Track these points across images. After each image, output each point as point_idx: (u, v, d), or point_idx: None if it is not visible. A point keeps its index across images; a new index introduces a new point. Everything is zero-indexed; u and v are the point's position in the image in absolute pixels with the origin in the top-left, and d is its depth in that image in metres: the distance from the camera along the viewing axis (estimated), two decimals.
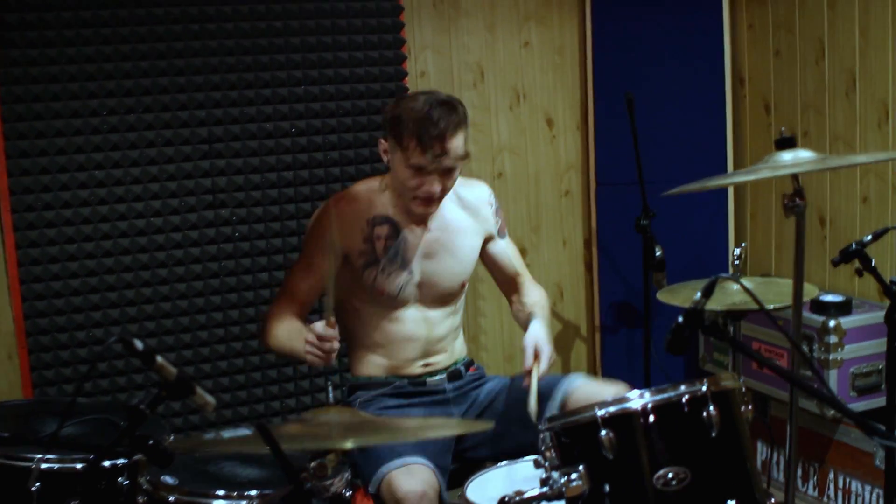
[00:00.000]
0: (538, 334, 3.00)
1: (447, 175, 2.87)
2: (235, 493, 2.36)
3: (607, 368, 4.72)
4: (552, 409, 2.86)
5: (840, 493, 3.85)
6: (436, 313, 3.06)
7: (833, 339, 3.77)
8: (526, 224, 4.69)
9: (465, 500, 2.48)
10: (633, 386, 4.49)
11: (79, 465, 2.45)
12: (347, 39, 3.98)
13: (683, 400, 2.03)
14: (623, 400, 2.05)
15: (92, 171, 3.67)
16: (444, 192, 2.90)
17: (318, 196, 3.97)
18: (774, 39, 4.44)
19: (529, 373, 2.89)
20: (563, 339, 4.79)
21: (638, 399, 2.04)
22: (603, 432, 2.02)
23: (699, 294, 1.97)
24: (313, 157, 3.97)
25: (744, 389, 2.15)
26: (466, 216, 3.11)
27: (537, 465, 2.13)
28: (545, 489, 2.04)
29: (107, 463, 2.57)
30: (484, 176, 4.39)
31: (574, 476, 2.04)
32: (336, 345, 2.58)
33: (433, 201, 2.90)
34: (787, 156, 2.22)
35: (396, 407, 2.97)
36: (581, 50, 4.69)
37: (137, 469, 2.49)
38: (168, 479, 2.40)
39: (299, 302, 2.96)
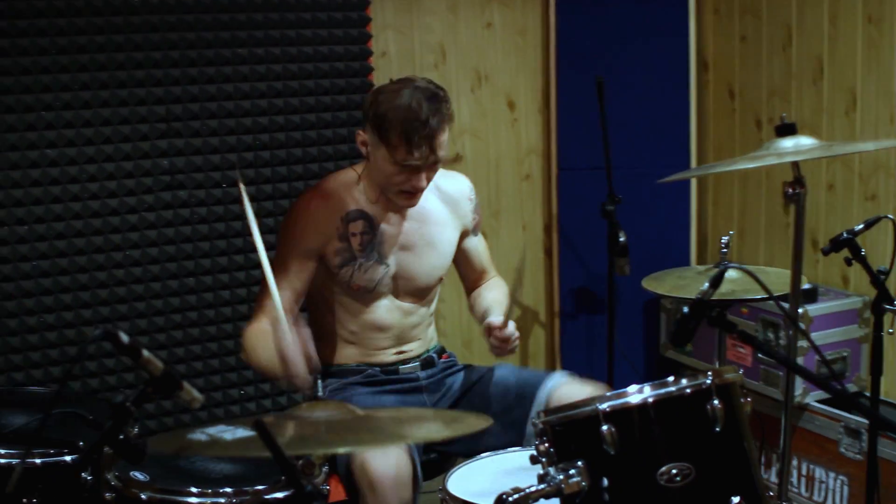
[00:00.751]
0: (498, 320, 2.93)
1: (432, 169, 2.80)
2: (210, 490, 2.25)
3: (566, 354, 4.68)
4: (537, 409, 2.78)
5: (803, 480, 3.85)
6: (409, 305, 2.98)
7: (801, 326, 3.76)
8: (485, 208, 4.59)
9: (447, 494, 2.40)
10: (596, 373, 4.49)
11: (38, 461, 2.37)
12: (311, 17, 3.85)
13: (687, 393, 1.97)
14: (624, 394, 1.98)
15: (45, 168, 3.50)
16: (428, 183, 2.83)
17: (279, 177, 3.86)
18: (741, 25, 4.41)
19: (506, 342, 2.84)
20: (521, 325, 4.73)
21: (640, 393, 1.98)
22: (605, 427, 1.95)
23: (706, 284, 1.91)
24: (275, 137, 3.85)
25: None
26: (445, 209, 3.03)
27: (534, 460, 2.06)
28: (543, 486, 1.97)
29: (68, 458, 2.48)
30: None
31: (573, 472, 1.98)
32: (314, 368, 2.45)
33: (417, 194, 2.83)
34: (788, 142, 2.17)
35: (368, 395, 2.89)
36: (544, 32, 4.62)
37: (103, 464, 2.37)
38: (138, 476, 2.29)
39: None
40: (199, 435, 1.72)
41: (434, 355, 3.05)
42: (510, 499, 1.93)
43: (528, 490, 1.95)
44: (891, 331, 2.59)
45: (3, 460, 2.34)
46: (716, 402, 1.96)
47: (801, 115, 4.13)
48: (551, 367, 4.74)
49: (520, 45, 4.63)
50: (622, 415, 1.96)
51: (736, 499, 1.95)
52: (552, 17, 4.54)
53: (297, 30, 3.83)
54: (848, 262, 2.55)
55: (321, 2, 3.87)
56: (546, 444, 2.06)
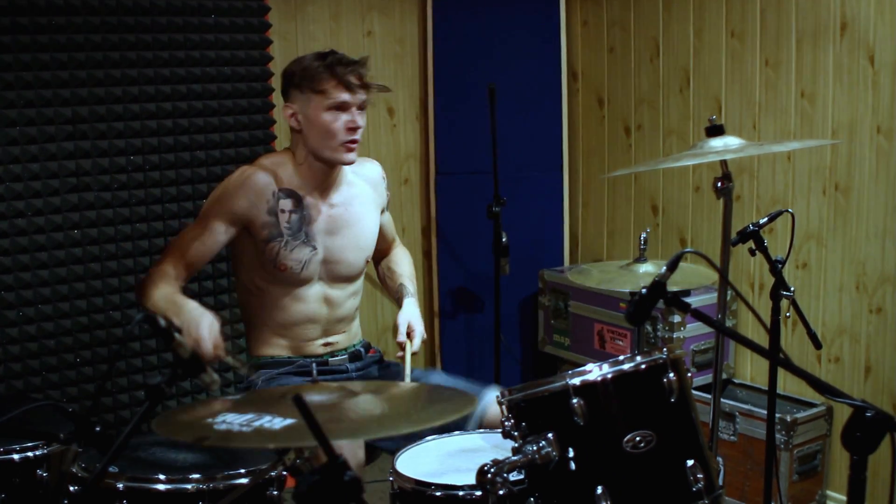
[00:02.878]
0: (412, 313, 3.12)
1: (362, 111, 2.95)
2: (179, 477, 2.30)
3: (447, 353, 4.84)
4: (472, 423, 2.87)
5: None
6: (339, 292, 3.07)
7: (677, 318, 4.05)
8: None
9: (397, 475, 2.50)
10: (478, 370, 4.67)
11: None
12: (214, 21, 3.89)
13: (645, 367, 2.16)
14: (589, 370, 2.15)
15: None
16: (363, 126, 2.96)
17: (182, 163, 3.89)
18: (609, 37, 4.69)
19: (402, 347, 3.02)
20: None
21: (607, 368, 2.15)
22: (574, 400, 2.12)
23: (664, 268, 2.10)
24: (178, 123, 3.87)
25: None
26: (369, 189, 3.16)
27: (506, 434, 2.20)
28: (518, 457, 2.12)
29: (16, 457, 2.48)
30: None
31: (543, 443, 2.13)
32: (221, 357, 2.53)
33: (356, 141, 2.95)
34: (716, 142, 2.39)
35: (301, 383, 2.96)
36: (421, 41, 4.79)
37: (61, 459, 2.39)
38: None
39: (185, 264, 2.87)
40: (223, 424, 1.77)
41: (361, 349, 3.16)
42: (491, 470, 2.06)
43: (506, 461, 2.09)
44: (787, 314, 2.86)
45: None
46: (671, 375, 2.16)
47: (669, 121, 4.43)
48: (431, 366, 4.89)
49: (398, 53, 4.77)
50: (591, 388, 2.13)
51: (690, 462, 2.15)
52: (429, 26, 4.71)
53: (201, 34, 3.87)
54: (752, 252, 2.80)
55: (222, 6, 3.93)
56: (513, 420, 2.20)
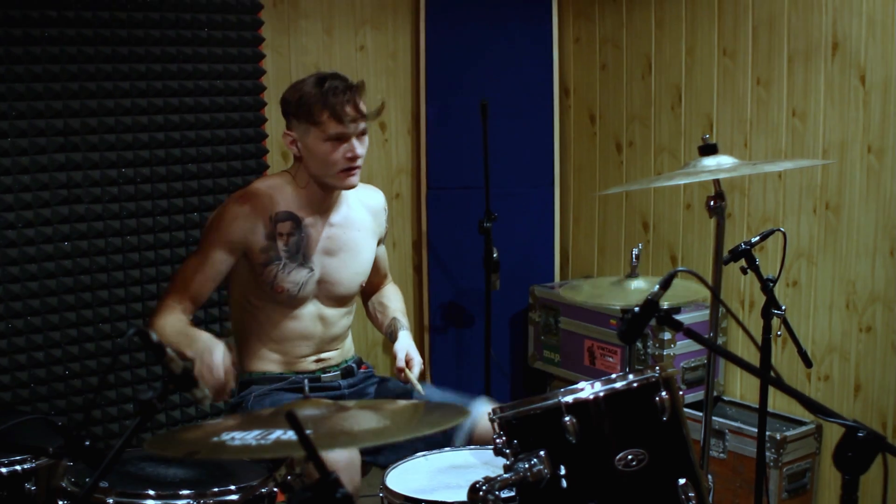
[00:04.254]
0: (409, 344, 3.12)
1: (361, 138, 2.93)
2: (170, 493, 2.29)
3: (437, 367, 4.83)
4: (461, 437, 2.88)
5: None
6: (333, 312, 3.07)
7: (667, 335, 4.05)
8: None
9: (387, 491, 2.50)
10: (467, 385, 4.66)
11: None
12: (207, 34, 3.89)
13: (638, 386, 2.16)
14: (581, 388, 2.15)
15: None
16: (363, 153, 2.95)
17: (174, 177, 3.89)
18: (601, 54, 4.71)
19: (402, 371, 3.02)
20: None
21: (599, 386, 2.15)
22: (567, 418, 2.11)
23: (657, 286, 2.10)
24: (170, 136, 3.87)
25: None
26: (368, 217, 3.15)
27: (497, 452, 2.20)
28: (510, 474, 2.12)
29: (4, 470, 2.47)
30: None
31: (535, 461, 2.13)
32: (231, 385, 2.56)
33: (356, 169, 2.94)
34: (709, 161, 2.40)
35: (292, 400, 2.95)
36: (414, 56, 4.80)
37: (50, 473, 2.38)
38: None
39: (190, 296, 2.88)
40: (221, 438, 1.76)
41: (353, 365, 3.15)
42: (483, 488, 2.06)
43: (497, 479, 2.09)
44: (779, 333, 2.86)
45: None
46: (663, 393, 2.16)
47: (661, 138, 4.45)
48: (421, 380, 4.86)
49: (391, 68, 4.78)
50: (583, 406, 2.13)
51: (682, 480, 2.15)
52: (422, 41, 4.72)
53: (194, 47, 3.87)
54: (744, 270, 2.80)
55: (216, 20, 3.92)
56: (504, 438, 2.20)
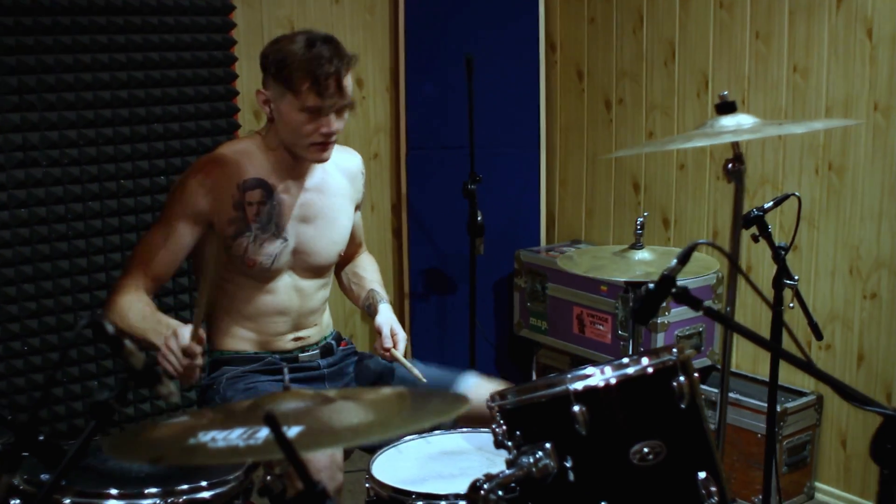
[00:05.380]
0: (391, 318, 2.89)
1: (341, 114, 2.66)
2: (134, 492, 2.08)
3: (418, 335, 4.63)
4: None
5: None
6: (309, 283, 2.85)
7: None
8: None
9: (373, 481, 2.29)
10: (449, 354, 4.47)
11: None
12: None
13: (653, 371, 1.96)
14: (590, 374, 1.95)
15: None
16: (338, 133, 2.69)
17: (140, 155, 3.63)
18: (590, 7, 4.48)
19: (388, 351, 2.81)
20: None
21: (610, 371, 1.94)
22: (576, 407, 1.91)
23: (675, 261, 1.89)
24: (135, 112, 3.61)
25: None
26: (345, 181, 2.92)
27: (498, 444, 2.00)
28: (513, 470, 1.91)
29: None
30: None
31: (540, 455, 1.93)
32: (199, 361, 2.33)
33: (329, 144, 2.68)
34: (728, 120, 2.19)
35: (270, 383, 2.74)
36: (392, 9, 4.55)
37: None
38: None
39: (153, 275, 2.64)
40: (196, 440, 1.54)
41: (333, 342, 2.94)
42: (484, 486, 1.86)
43: (500, 476, 1.88)
44: (791, 305, 2.67)
45: None
46: (682, 378, 1.96)
47: (653, 96, 4.23)
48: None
49: (368, 22, 4.53)
50: (594, 394, 1.92)
51: (702, 474, 1.95)
52: None
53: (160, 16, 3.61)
54: (755, 238, 2.61)
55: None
56: (505, 428, 2.00)
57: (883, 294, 3.55)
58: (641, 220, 2.78)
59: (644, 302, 1.92)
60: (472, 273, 4.14)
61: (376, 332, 2.84)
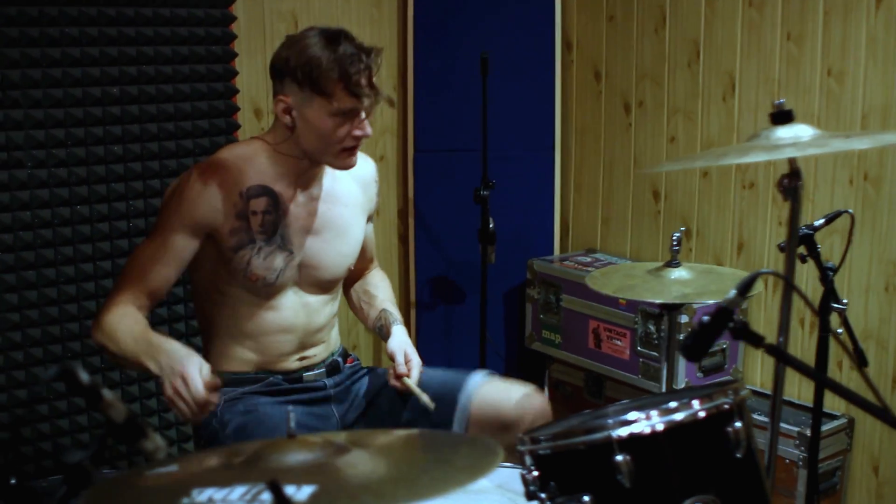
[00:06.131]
0: (405, 341, 2.74)
1: (370, 114, 2.48)
2: None
3: (424, 346, 4.40)
4: (461, 415, 2.58)
5: None
6: (315, 299, 2.64)
7: (684, 318, 3.65)
8: None
9: None
10: (456, 366, 4.28)
11: None
12: None
13: (706, 415, 1.74)
14: (636, 418, 1.73)
15: None
16: (370, 135, 2.52)
17: (132, 156, 3.40)
18: (609, 4, 4.26)
19: (400, 378, 2.65)
20: None
21: (657, 417, 1.73)
22: (619, 456, 1.70)
23: (734, 291, 1.68)
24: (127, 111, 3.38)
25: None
26: (358, 190, 2.71)
27: (530, 496, 1.78)
28: None
29: None
30: None
31: None
32: (214, 402, 2.16)
33: (356, 149, 2.51)
34: (785, 132, 1.96)
35: (271, 405, 2.53)
36: (401, 4, 4.34)
37: None
38: None
39: (148, 290, 2.42)
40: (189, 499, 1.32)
41: (339, 359, 2.73)
42: None
43: None
44: (840, 331, 2.46)
45: None
46: (737, 424, 1.74)
47: (675, 99, 4.02)
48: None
49: (375, 17, 4.33)
50: (639, 442, 1.71)
51: None
52: None
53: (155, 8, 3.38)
54: (802, 258, 2.40)
55: None
56: (537, 475, 1.78)
57: None
58: (678, 234, 2.56)
59: (696, 338, 1.71)
60: (484, 283, 3.93)
61: (389, 357, 2.64)
